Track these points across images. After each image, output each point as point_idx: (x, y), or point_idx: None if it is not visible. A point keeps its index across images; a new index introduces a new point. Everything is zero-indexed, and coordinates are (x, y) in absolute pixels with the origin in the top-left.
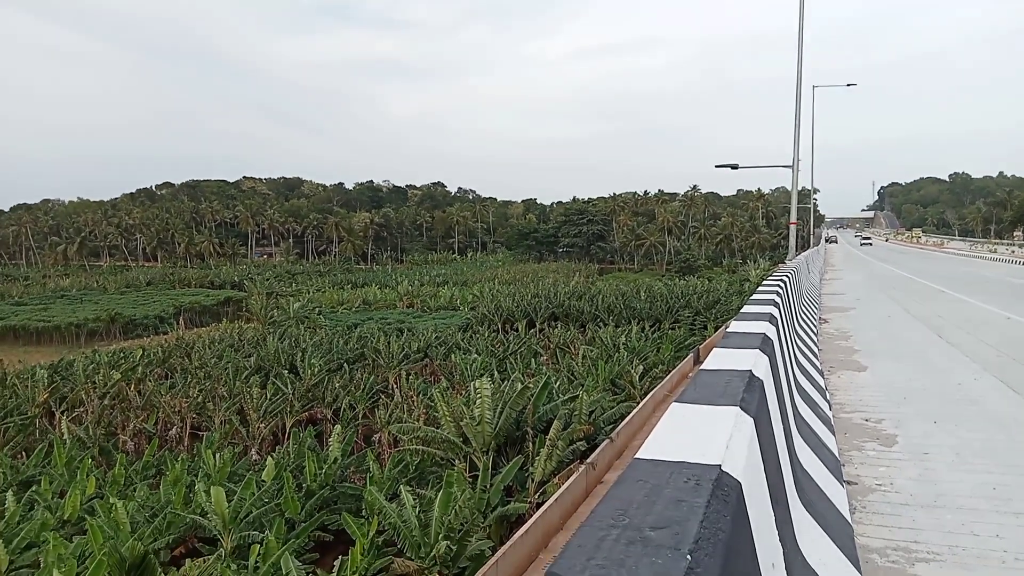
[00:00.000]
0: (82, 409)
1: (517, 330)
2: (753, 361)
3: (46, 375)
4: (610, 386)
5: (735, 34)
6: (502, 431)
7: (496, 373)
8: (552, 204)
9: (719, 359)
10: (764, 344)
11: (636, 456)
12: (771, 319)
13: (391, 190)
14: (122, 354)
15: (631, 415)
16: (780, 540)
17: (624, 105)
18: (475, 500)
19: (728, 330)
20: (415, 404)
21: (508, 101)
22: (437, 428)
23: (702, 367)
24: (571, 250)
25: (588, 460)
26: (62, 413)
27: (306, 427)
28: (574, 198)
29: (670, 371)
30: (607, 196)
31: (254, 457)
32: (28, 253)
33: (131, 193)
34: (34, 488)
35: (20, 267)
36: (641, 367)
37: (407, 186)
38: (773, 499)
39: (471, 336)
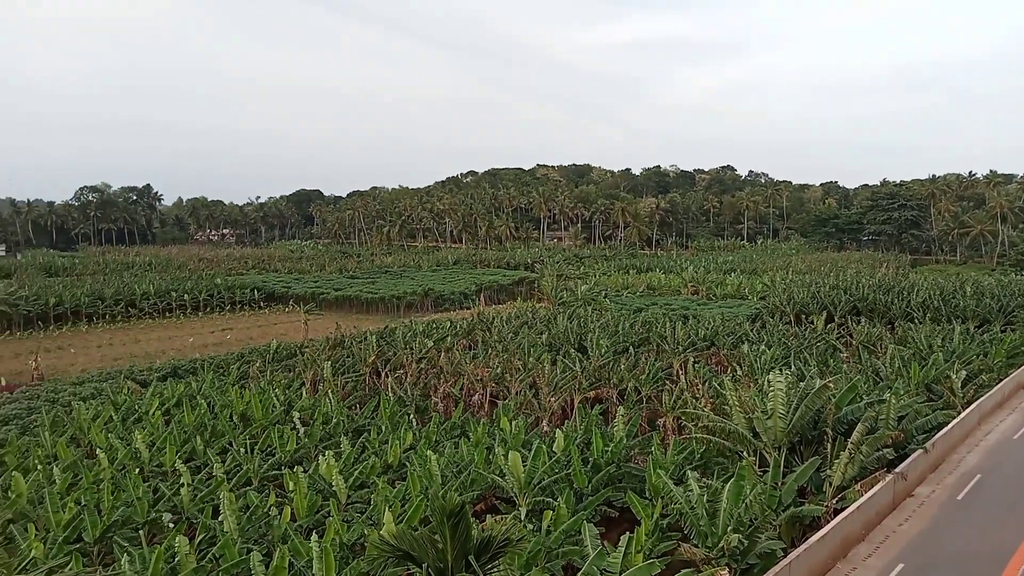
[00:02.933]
0: (402, 371)
1: (812, 323)
2: None
3: (375, 340)
4: (924, 391)
5: None
6: (796, 428)
7: (792, 367)
8: (856, 188)
9: None
10: None
11: None
12: None
13: (678, 175)
14: (434, 325)
15: (951, 425)
16: None
17: (945, 74)
18: (766, 496)
19: None
20: (700, 392)
21: (805, 78)
22: (725, 418)
23: None
24: (878, 238)
25: (897, 470)
26: (387, 373)
27: (592, 405)
28: (883, 181)
29: (1001, 379)
30: (924, 178)
31: (544, 428)
32: (359, 234)
33: (441, 181)
34: (364, 436)
35: (353, 246)
36: (964, 373)
37: (694, 170)
38: None
39: (761, 327)
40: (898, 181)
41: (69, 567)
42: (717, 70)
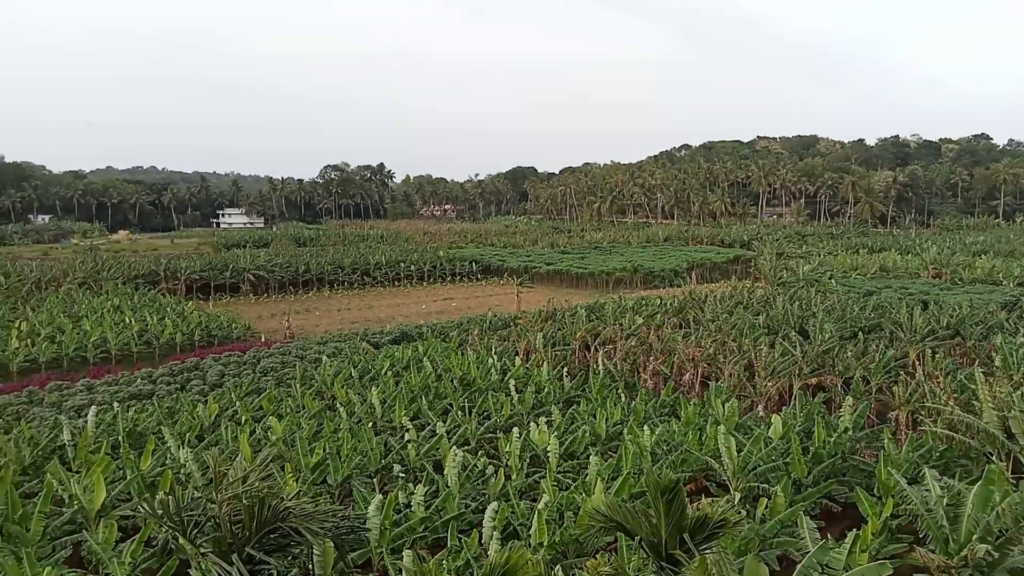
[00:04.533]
0: (611, 346)
1: None
2: None
3: (585, 314)
4: None
5: None
6: None
7: None
8: None
9: None
10: None
11: None
12: None
13: (920, 145)
14: (643, 301)
15: None
16: None
17: None
18: (1021, 505)
19: None
20: (940, 386)
21: None
22: (973, 415)
23: None
24: None
25: None
26: (596, 347)
27: (814, 392)
28: None
29: None
30: None
31: (760, 413)
32: (570, 209)
33: (654, 156)
34: (574, 407)
35: (564, 221)
36: None
37: (940, 140)
38: None
39: (1019, 316)
40: None
41: (319, 503)
42: (969, 27)
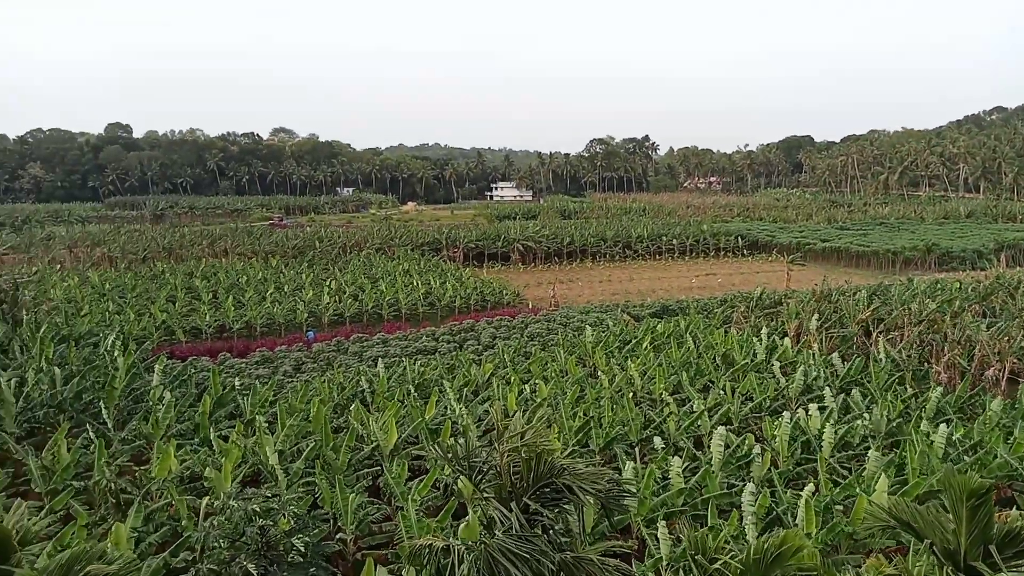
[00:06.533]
0: (896, 332)
1: None
2: None
3: (866, 296)
4: None
5: None
6: None
7: None
8: None
9: None
10: None
11: None
12: None
13: None
14: (938, 285)
15: None
16: None
17: None
18: None
19: None
20: None
21: None
22: None
23: None
24: None
25: None
26: (879, 333)
27: None
28: None
29: None
30: None
31: None
32: (852, 181)
33: (957, 120)
34: (848, 395)
35: (844, 194)
36: None
37: None
38: None
39: None
40: None
41: (590, 464)
42: None
